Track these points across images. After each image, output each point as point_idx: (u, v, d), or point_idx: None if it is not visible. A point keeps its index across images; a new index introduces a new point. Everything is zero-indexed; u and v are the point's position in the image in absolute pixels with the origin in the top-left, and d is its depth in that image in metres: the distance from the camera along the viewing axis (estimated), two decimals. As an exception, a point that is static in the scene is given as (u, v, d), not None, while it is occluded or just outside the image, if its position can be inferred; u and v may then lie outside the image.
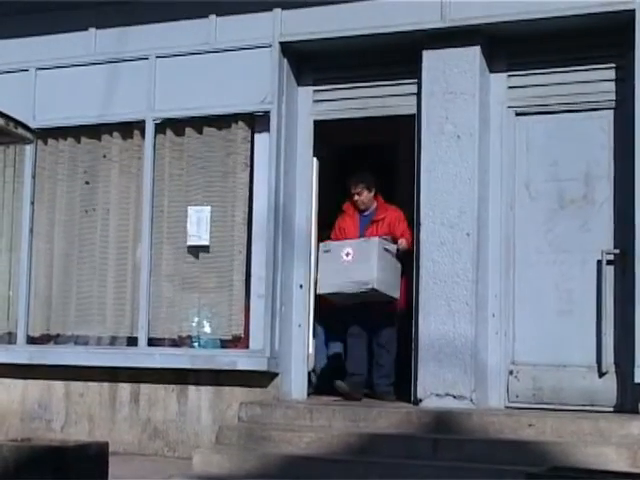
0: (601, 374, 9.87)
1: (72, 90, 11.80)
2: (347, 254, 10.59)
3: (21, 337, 11.96)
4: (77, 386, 11.55)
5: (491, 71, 10.48)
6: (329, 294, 10.90)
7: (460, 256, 10.18)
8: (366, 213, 11.20)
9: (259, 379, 10.59)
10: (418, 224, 10.39)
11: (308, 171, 11.36)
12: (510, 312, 10.32)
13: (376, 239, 10.64)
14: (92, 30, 11.79)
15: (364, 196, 11.07)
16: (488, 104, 10.44)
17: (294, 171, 11.16)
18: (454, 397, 10.02)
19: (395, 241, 10.84)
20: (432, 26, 10.32)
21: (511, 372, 10.24)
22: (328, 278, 10.73)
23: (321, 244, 11.01)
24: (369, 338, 11.07)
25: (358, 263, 10.47)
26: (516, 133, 10.43)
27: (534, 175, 10.32)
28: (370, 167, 11.76)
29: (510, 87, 10.47)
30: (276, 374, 10.75)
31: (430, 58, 10.45)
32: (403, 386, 10.75)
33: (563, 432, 9.16)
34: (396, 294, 10.83)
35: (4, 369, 11.82)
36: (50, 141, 11.82)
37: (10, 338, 12.13)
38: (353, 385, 10.84)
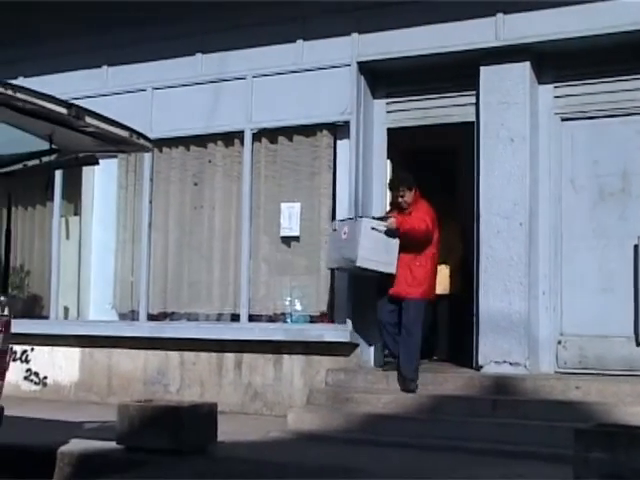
0: (638, 343, 9.77)
1: (182, 106, 11.92)
2: (344, 232, 9.96)
3: (142, 315, 12.11)
4: (190, 356, 11.66)
5: (539, 83, 10.40)
6: (334, 269, 10.60)
7: (514, 243, 10.14)
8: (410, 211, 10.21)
9: (343, 349, 10.63)
10: (478, 216, 10.35)
11: (382, 172, 11.37)
12: (558, 290, 10.24)
13: (364, 219, 9.99)
14: (198, 55, 11.92)
15: (407, 196, 10.11)
16: (537, 112, 10.37)
17: (370, 172, 11.16)
18: (510, 364, 9.98)
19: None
20: (488, 45, 10.30)
21: (559, 342, 10.17)
22: (331, 254, 10.32)
23: (332, 223, 10.56)
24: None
25: (348, 241, 9.88)
26: (562, 136, 10.35)
27: (578, 172, 10.24)
28: (433, 169, 11.63)
29: (556, 97, 10.39)
30: (357, 345, 10.78)
31: (486, 72, 10.39)
32: (464, 355, 10.69)
33: (606, 394, 9.13)
34: (390, 269, 9.89)
35: (129, 342, 12.00)
36: (164, 149, 11.94)
37: (133, 315, 12.30)
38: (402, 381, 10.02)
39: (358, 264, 9.74)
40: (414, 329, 9.88)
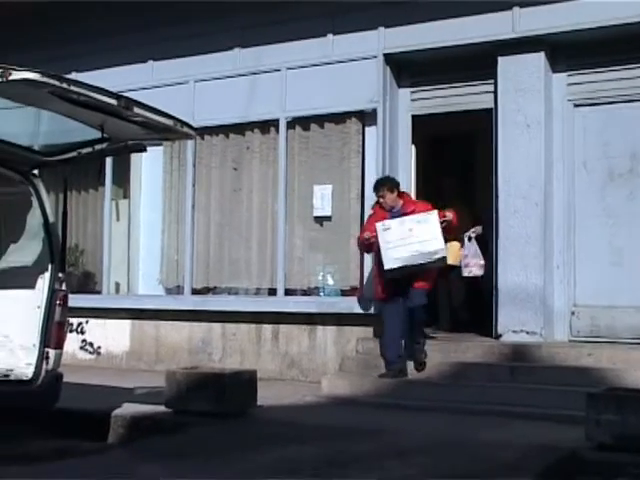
0: (645, 313, 9.75)
1: (222, 97, 11.93)
2: (410, 229, 9.25)
3: (187, 289, 12.17)
4: (231, 327, 11.71)
5: (553, 72, 10.35)
6: (394, 269, 9.42)
7: (530, 221, 10.12)
8: (394, 210, 9.75)
9: (371, 320, 10.60)
10: (496, 196, 10.33)
11: (407, 156, 11.34)
12: (571, 264, 10.21)
13: (435, 212, 9.42)
14: (237, 50, 11.92)
15: (387, 197, 9.72)
16: (551, 98, 10.32)
17: (396, 156, 11.13)
18: (527, 333, 9.99)
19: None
20: (505, 37, 10.25)
21: (573, 312, 10.15)
22: (393, 254, 9.31)
23: (378, 224, 9.46)
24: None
25: (424, 236, 9.24)
26: (574, 121, 10.29)
27: (589, 155, 10.19)
28: (453, 153, 11.55)
29: (569, 84, 10.33)
30: (385, 315, 10.78)
31: (504, 62, 10.35)
32: (484, 325, 10.68)
33: (616, 360, 9.13)
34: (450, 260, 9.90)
35: (175, 314, 12.06)
36: (206, 137, 11.96)
37: (179, 290, 12.36)
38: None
39: (445, 254, 9.45)
40: (422, 315, 9.73)
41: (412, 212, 9.58)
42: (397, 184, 9.92)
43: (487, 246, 10.83)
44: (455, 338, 10.74)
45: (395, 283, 9.53)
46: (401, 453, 6.63)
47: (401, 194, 9.90)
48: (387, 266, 9.38)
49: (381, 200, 9.78)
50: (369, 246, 9.70)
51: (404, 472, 6.01)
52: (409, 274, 9.40)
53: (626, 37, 9.70)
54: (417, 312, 9.57)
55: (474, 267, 10.62)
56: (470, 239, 10.69)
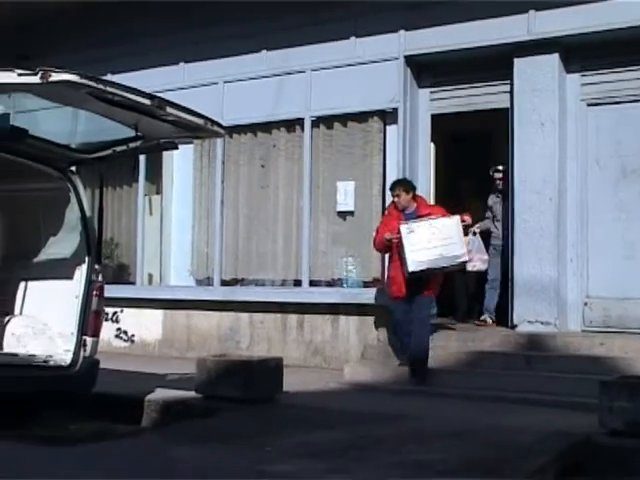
0: (656, 304, 9.69)
1: (250, 97, 11.95)
2: (433, 233, 8.95)
3: (217, 281, 12.20)
4: (258, 316, 11.72)
5: (567, 72, 10.29)
6: (418, 271, 9.09)
7: (544, 216, 10.09)
8: (408, 212, 9.43)
9: (392, 311, 10.59)
10: (512, 192, 10.30)
11: (427, 153, 11.33)
12: (584, 257, 10.17)
13: (457, 217, 9.14)
14: (264, 52, 11.92)
15: (402, 198, 9.41)
16: (565, 98, 10.27)
17: (417, 153, 11.11)
18: (542, 323, 9.95)
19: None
20: (520, 39, 10.20)
21: (585, 304, 10.10)
22: (418, 257, 8.97)
23: (402, 226, 9.08)
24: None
25: (447, 240, 8.98)
26: (587, 120, 10.24)
27: (601, 152, 10.13)
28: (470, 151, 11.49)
29: (582, 84, 10.27)
30: (406, 306, 10.77)
31: (520, 64, 10.31)
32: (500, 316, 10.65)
33: (628, 349, 9.09)
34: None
35: (205, 304, 12.10)
36: (234, 135, 11.97)
37: (209, 281, 12.40)
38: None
39: (467, 259, 9.36)
40: (427, 320, 9.50)
41: (427, 215, 9.32)
42: (413, 187, 9.67)
43: (489, 241, 10.94)
44: (472, 328, 10.73)
45: (409, 285, 9.30)
46: (421, 437, 6.62)
47: (416, 197, 9.63)
48: (411, 268, 9.06)
49: (395, 199, 9.52)
50: (389, 247, 9.47)
51: (424, 456, 6.00)
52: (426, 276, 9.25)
53: (638, 38, 9.62)
54: (421, 321, 9.33)
55: (478, 262, 10.65)
56: (475, 234, 10.69)
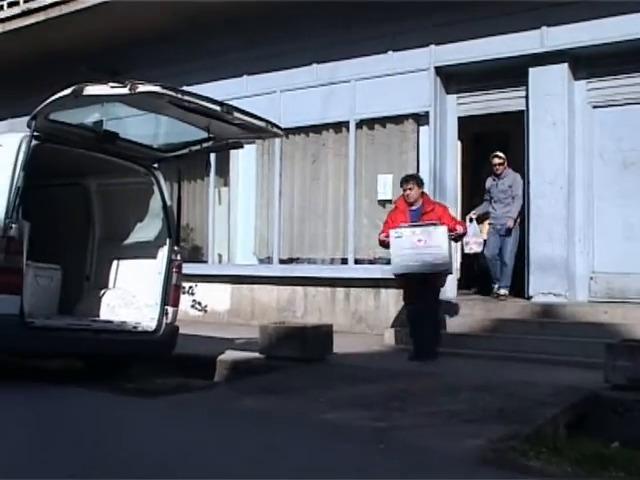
0: (653, 278, 9.60)
1: (303, 103, 11.97)
2: (419, 240, 8.22)
3: (275, 259, 12.26)
4: (311, 290, 11.76)
5: (575, 79, 10.16)
6: (402, 274, 8.65)
7: (556, 202, 10.01)
8: (414, 207, 8.73)
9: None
10: (528, 182, 10.23)
11: (454, 150, 11.28)
12: (590, 238, 10.06)
13: (445, 227, 8.33)
14: (314, 65, 11.92)
15: (414, 191, 8.69)
16: (574, 101, 10.15)
17: (445, 150, 11.05)
18: (554, 295, 9.89)
19: (452, 230, 8.52)
20: (535, 51, 10.10)
21: (591, 278, 10.02)
22: (401, 260, 8.39)
23: (392, 231, 8.56)
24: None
25: (431, 248, 8.21)
26: (593, 120, 10.11)
27: (605, 148, 10.01)
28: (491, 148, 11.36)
29: (588, 89, 10.13)
30: (437, 281, 10.75)
31: (534, 72, 10.21)
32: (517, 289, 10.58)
33: (628, 317, 9.04)
34: (452, 269, 8.91)
35: (266, 280, 12.18)
36: (290, 136, 11.91)
37: (269, 260, 12.45)
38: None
39: (450, 270, 8.62)
40: (438, 309, 9.06)
41: (431, 211, 8.64)
42: (422, 182, 9.00)
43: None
44: (493, 300, 10.66)
45: (413, 289, 8.72)
46: (451, 391, 6.64)
47: (422, 193, 8.92)
48: (393, 271, 8.68)
49: (407, 192, 8.74)
50: (387, 245, 8.76)
51: (453, 406, 6.02)
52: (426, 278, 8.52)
53: (636, 49, 9.51)
54: (427, 313, 8.74)
55: (474, 245, 10.56)
56: (471, 220, 10.57)
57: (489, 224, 10.77)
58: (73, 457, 4.74)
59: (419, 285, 8.58)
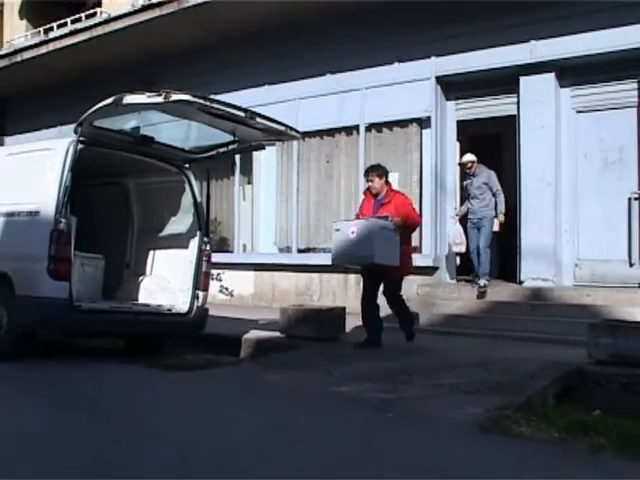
0: (631, 264, 9.54)
1: (318, 110, 11.95)
2: (352, 232, 7.52)
3: (294, 249, 12.28)
4: (325, 276, 11.75)
5: (561, 87, 10.11)
6: (339, 264, 8.32)
7: (545, 197, 10.00)
8: (379, 198, 7.83)
9: (428, 270, 10.58)
10: (519, 179, 10.17)
11: (453, 150, 11.23)
12: (576, 228, 10.02)
13: (373, 219, 7.59)
14: (328, 75, 11.89)
15: (376, 182, 7.81)
16: (560, 107, 10.09)
17: (445, 151, 11.03)
18: (542, 280, 9.87)
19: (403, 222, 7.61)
20: (525, 62, 10.06)
21: (576, 264, 9.99)
22: (337, 251, 7.82)
23: (333, 224, 8.19)
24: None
25: (360, 240, 7.48)
26: (577, 123, 10.05)
27: (588, 147, 9.96)
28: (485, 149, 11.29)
29: (572, 96, 10.08)
30: (437, 267, 10.75)
31: (524, 81, 10.17)
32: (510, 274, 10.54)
33: (608, 300, 9.01)
34: (396, 263, 7.54)
35: (286, 267, 12.19)
36: (306, 139, 11.93)
37: (288, 250, 12.46)
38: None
39: (376, 262, 7.50)
40: (396, 301, 8.08)
41: (389, 202, 7.76)
42: (386, 172, 8.03)
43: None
44: (489, 283, 10.62)
45: (365, 276, 8.06)
46: (450, 366, 6.64)
47: (387, 184, 8.02)
48: (333, 262, 8.09)
49: (369, 184, 7.96)
50: None
51: (453, 380, 6.02)
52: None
53: (616, 60, 9.50)
54: (373, 303, 8.02)
55: (461, 245, 10.22)
56: (455, 221, 10.22)
57: (468, 219, 10.24)
58: (116, 424, 4.77)
59: (369, 276, 7.93)
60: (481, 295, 9.81)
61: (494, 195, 10.08)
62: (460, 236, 10.26)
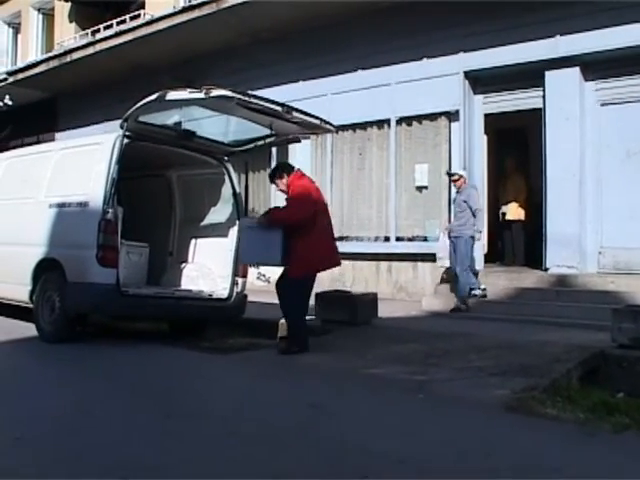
0: (654, 252, 9.41)
1: (350, 104, 11.87)
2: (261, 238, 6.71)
3: (330, 237, 12.27)
4: (358, 263, 11.75)
5: (585, 80, 9.95)
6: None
7: (569, 187, 9.86)
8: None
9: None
10: (545, 170, 10.05)
11: (481, 142, 11.15)
12: (600, 217, 9.87)
13: (244, 219, 7.52)
14: (359, 71, 11.83)
15: (280, 185, 6.93)
16: (584, 99, 9.94)
17: (473, 143, 10.92)
18: (567, 267, 9.76)
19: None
20: (550, 57, 9.90)
21: (600, 252, 9.85)
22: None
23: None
24: None
25: (268, 247, 6.60)
26: (601, 116, 9.88)
27: (611, 139, 9.80)
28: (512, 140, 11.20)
29: (597, 90, 9.91)
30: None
31: (550, 75, 10.04)
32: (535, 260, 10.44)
33: (632, 286, 8.89)
34: (275, 262, 6.77)
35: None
36: (340, 132, 11.79)
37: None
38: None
39: (250, 262, 7.43)
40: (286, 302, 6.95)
41: (289, 197, 6.85)
42: (283, 170, 7.07)
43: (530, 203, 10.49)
44: (516, 270, 10.58)
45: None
46: (479, 349, 6.61)
47: (297, 178, 6.96)
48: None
49: (278, 190, 7.21)
50: None
51: (481, 362, 6.01)
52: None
53: (637, 55, 9.33)
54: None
55: (444, 259, 9.74)
56: (444, 235, 9.73)
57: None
58: (164, 400, 4.84)
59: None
60: (454, 310, 9.37)
61: (473, 214, 9.40)
62: (444, 250, 9.74)
